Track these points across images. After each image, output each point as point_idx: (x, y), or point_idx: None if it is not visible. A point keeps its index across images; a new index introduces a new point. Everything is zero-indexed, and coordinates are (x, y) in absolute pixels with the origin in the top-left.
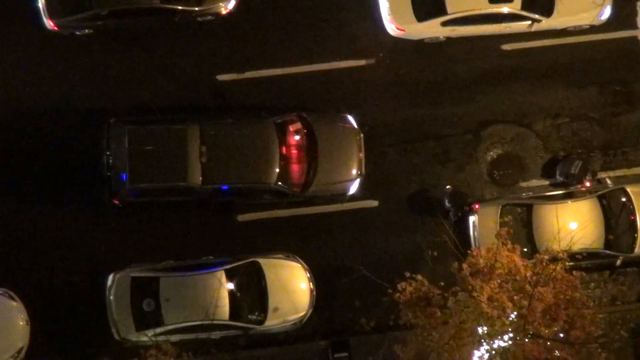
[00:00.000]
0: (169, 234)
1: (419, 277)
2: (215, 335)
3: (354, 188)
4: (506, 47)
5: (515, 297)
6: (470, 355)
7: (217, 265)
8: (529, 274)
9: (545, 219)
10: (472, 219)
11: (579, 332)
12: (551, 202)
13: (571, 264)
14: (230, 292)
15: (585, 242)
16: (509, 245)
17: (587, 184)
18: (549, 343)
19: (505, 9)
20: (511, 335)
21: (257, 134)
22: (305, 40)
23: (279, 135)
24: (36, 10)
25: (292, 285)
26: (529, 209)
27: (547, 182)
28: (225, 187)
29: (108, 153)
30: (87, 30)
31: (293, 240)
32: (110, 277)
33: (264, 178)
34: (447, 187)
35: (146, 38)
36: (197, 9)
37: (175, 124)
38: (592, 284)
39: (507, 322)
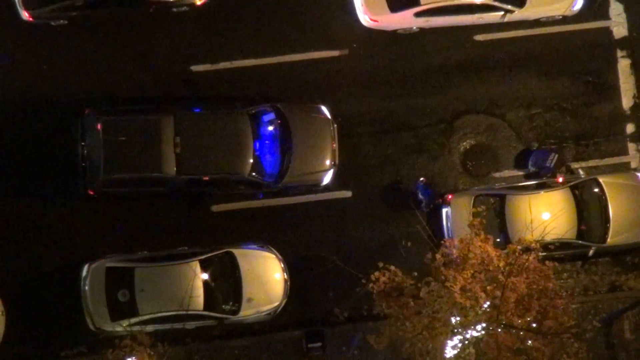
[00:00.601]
0: (144, 224)
1: (393, 267)
2: (190, 325)
3: (327, 178)
4: (479, 37)
5: (488, 287)
6: (444, 345)
7: (192, 255)
8: (501, 264)
9: (518, 209)
10: (446, 209)
11: (551, 322)
12: (524, 193)
13: (544, 254)
14: (205, 283)
15: (558, 233)
16: (482, 236)
17: (560, 179)
18: (521, 333)
19: None
20: (484, 325)
21: (230, 125)
22: (279, 31)
23: (252, 125)
24: (11, 1)
25: (266, 276)
26: (502, 199)
27: (519, 173)
28: (199, 178)
29: (83, 143)
30: (62, 21)
31: (267, 231)
32: (85, 268)
33: (238, 168)
34: (421, 178)
35: (121, 29)
36: None
37: (149, 114)
38: (565, 274)
39: (480, 312)
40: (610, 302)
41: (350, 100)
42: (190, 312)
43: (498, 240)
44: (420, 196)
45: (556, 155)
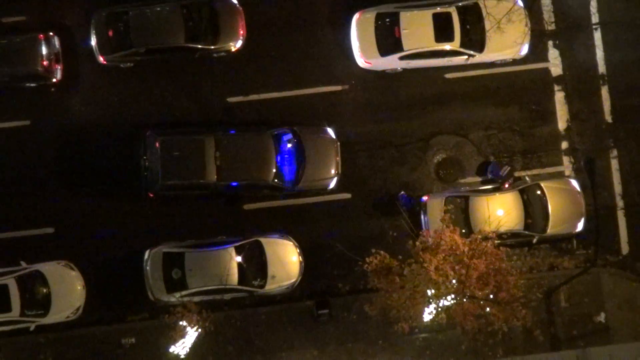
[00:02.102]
0: (192, 219)
1: (382, 252)
2: (227, 296)
3: (333, 184)
4: (448, 76)
5: (456, 267)
6: (422, 311)
7: (228, 243)
8: (466, 249)
9: (479, 207)
10: (423, 208)
11: (504, 294)
12: (483, 195)
13: (499, 241)
14: (239, 264)
15: (510, 225)
16: (451, 228)
17: (506, 185)
18: (482, 302)
19: (447, 46)
20: (453, 296)
21: (258, 143)
22: (296, 71)
23: (275, 143)
24: (90, 49)
25: (286, 258)
26: (466, 200)
27: (479, 179)
28: (234, 184)
29: (145, 157)
30: (129, 64)
31: (287, 224)
32: (147, 252)
33: (264, 176)
34: (402, 192)
35: (174, 70)
36: (212, 47)
37: (196, 135)
38: (515, 257)
39: (450, 286)
40: (549, 278)
41: (350, 124)
42: (227, 287)
43: (463, 231)
44: (403, 204)
45: (509, 168)
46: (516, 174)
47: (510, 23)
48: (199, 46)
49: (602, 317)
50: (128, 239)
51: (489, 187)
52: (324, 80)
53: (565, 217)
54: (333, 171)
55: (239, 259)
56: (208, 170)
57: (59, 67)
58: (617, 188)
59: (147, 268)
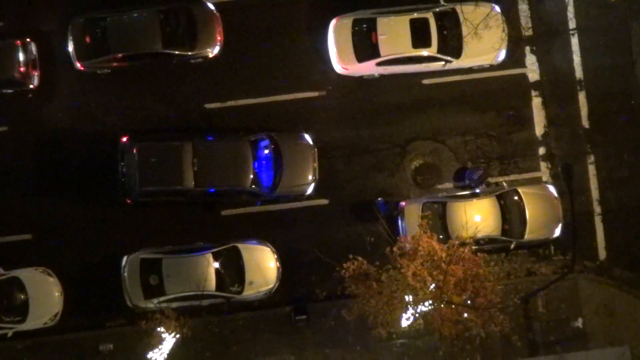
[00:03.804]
0: (169, 225)
1: (360, 258)
2: (205, 302)
3: (310, 190)
4: (426, 81)
5: (433, 273)
6: (400, 317)
7: (206, 249)
8: (443, 255)
9: (456, 213)
10: (400, 214)
11: (482, 299)
12: (461, 200)
13: (476, 247)
14: (216, 270)
15: (487, 231)
16: (429, 234)
17: (478, 189)
18: (459, 308)
19: (425, 52)
20: (431, 302)
21: (236, 149)
22: (272, 77)
23: (252, 149)
24: (68, 55)
25: (264, 264)
26: (443, 205)
27: (457, 185)
28: (212, 190)
29: (122, 164)
30: (106, 70)
31: (264, 230)
32: (125, 259)
33: (241, 182)
34: (379, 198)
35: (151, 76)
36: (190, 53)
37: (173, 141)
38: (492, 262)
39: (428, 292)
40: (527, 284)
41: (327, 130)
42: (205, 293)
43: (441, 237)
44: (380, 210)
45: (482, 171)
46: (494, 179)
47: (487, 29)
48: (177, 52)
49: (579, 323)
50: (106, 245)
51: (467, 192)
52: (301, 87)
53: (542, 222)
54: (310, 177)
55: (216, 265)
56: (185, 177)
57: (36, 74)
58: (595, 193)
59: (125, 274)
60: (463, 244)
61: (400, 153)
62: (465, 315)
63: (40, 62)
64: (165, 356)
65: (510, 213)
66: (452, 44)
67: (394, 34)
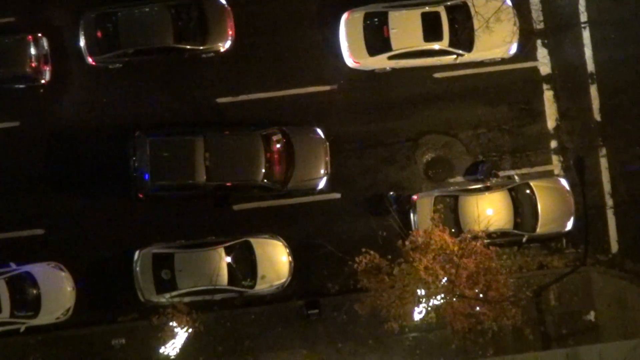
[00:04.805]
0: (181, 220)
1: (372, 252)
2: (217, 297)
3: (322, 184)
4: (437, 75)
5: (445, 267)
6: (412, 311)
7: (218, 243)
8: (456, 248)
9: (468, 206)
10: (412, 208)
11: (494, 293)
12: (473, 194)
13: (488, 241)
14: (228, 264)
15: (499, 224)
16: (441, 227)
17: (487, 183)
18: (472, 301)
19: (436, 46)
20: (443, 295)
21: (247, 143)
22: (285, 71)
23: (264, 144)
24: (79, 50)
25: (276, 258)
26: (455, 199)
27: (469, 179)
28: (224, 184)
29: (134, 158)
30: (117, 65)
31: (276, 224)
32: (137, 253)
33: (253, 176)
34: (391, 192)
35: (163, 70)
36: (201, 47)
37: (185, 135)
38: (504, 256)
39: (440, 286)
40: (539, 277)
41: (339, 124)
42: (217, 287)
43: (453, 230)
44: (392, 203)
45: (489, 164)
46: (505, 173)
47: (498, 22)
48: (188, 47)
49: (591, 316)
50: (118, 240)
51: (479, 186)
52: (313, 81)
53: (554, 216)
54: (322, 171)
55: (228, 259)
56: (197, 171)
57: (48, 69)
58: (607, 186)
59: (137, 269)
60: (475, 237)
61: (412, 147)
62: (478, 308)
63: (51, 57)
64: (178, 351)
65: (523, 206)
66: (463, 38)
67: (405, 27)
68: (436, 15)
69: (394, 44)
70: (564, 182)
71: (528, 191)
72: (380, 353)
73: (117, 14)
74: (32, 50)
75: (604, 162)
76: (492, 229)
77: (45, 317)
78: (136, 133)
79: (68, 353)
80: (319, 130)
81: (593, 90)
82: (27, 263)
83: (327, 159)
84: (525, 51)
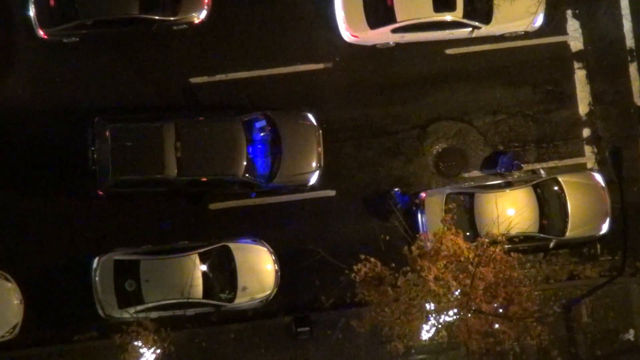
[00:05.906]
0: (148, 221)
1: (373, 259)
2: (190, 312)
3: (314, 179)
4: (450, 51)
5: (459, 277)
6: (419, 328)
7: (192, 249)
8: (471, 255)
9: (486, 206)
10: (420, 207)
11: (516, 308)
12: (491, 191)
13: (509, 246)
14: (204, 273)
15: (522, 227)
16: (453, 230)
17: (508, 178)
18: (489, 317)
19: (448, 17)
20: (456, 310)
21: (226, 131)
22: (270, 46)
23: (246, 131)
24: (28, 20)
25: (259, 267)
26: (471, 197)
27: (487, 173)
28: (198, 179)
29: (93, 149)
30: (73, 38)
31: (260, 227)
32: (96, 260)
33: (232, 170)
34: (395, 189)
35: (127, 45)
36: (172, 18)
37: (152, 122)
38: (528, 264)
39: (452, 299)
40: (569, 289)
41: (334, 108)
42: (190, 300)
43: (468, 234)
44: (396, 202)
45: (510, 155)
46: (530, 166)
47: None
48: (156, 17)
49: (630, 335)
50: (74, 244)
51: (498, 182)
52: (303, 58)
53: (587, 217)
54: (314, 164)
55: (203, 267)
56: (167, 164)
57: None
58: None
59: (96, 279)
60: (494, 242)
61: (420, 135)
62: (497, 326)
63: None
64: None
65: (549, 206)
66: (480, 7)
67: None
68: None
69: (399, 14)
70: (598, 177)
71: (556, 188)
72: None
73: None
74: None
75: None
76: (513, 232)
77: None
78: (95, 119)
79: None
80: (310, 116)
81: (632, 69)
82: None
83: (320, 149)
84: (553, 23)
